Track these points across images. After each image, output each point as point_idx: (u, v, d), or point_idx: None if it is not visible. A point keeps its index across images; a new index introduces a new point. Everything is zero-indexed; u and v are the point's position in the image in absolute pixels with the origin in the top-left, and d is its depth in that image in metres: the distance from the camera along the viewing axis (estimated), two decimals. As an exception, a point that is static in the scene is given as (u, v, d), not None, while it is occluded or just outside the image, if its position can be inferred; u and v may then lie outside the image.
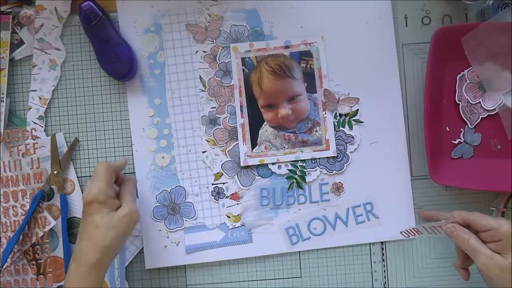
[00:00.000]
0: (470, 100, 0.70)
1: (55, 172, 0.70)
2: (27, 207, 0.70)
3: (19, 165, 0.71)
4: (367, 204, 0.71)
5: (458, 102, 0.71)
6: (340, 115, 0.72)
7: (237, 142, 0.71)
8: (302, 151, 0.71)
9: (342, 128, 0.72)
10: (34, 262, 0.71)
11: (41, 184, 0.71)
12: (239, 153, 0.71)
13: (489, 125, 0.71)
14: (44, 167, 0.71)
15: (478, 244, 0.60)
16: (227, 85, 0.72)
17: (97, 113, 0.73)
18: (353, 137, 0.71)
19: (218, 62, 0.72)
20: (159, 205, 0.72)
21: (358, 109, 0.72)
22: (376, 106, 0.72)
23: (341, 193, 0.72)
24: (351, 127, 0.72)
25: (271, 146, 0.71)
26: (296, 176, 0.71)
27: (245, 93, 0.71)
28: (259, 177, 0.72)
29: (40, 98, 0.72)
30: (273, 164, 0.71)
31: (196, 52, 0.72)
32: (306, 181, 0.71)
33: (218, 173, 0.72)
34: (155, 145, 0.72)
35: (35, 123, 0.72)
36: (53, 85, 0.72)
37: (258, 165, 0.71)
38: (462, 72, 0.71)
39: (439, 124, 0.71)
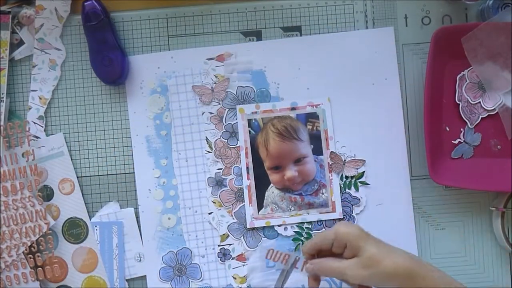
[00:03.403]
0: (470, 100, 0.70)
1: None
2: (27, 200, 0.70)
3: (15, 160, 0.71)
4: (373, 265, 0.72)
5: (458, 102, 0.71)
6: (346, 177, 0.72)
7: (243, 204, 0.72)
8: (308, 213, 0.71)
9: (348, 190, 0.72)
10: (31, 256, 0.71)
11: (40, 179, 0.71)
12: (245, 214, 0.71)
13: (489, 125, 0.71)
14: (44, 167, 0.72)
15: (339, 263, 0.59)
16: (234, 146, 0.72)
17: (97, 113, 0.73)
18: (359, 199, 0.72)
19: (225, 124, 0.72)
20: (165, 266, 0.72)
21: (364, 171, 0.72)
22: (382, 168, 0.72)
23: (347, 254, 0.72)
24: (357, 189, 0.72)
25: (277, 208, 0.71)
26: (302, 238, 0.71)
27: (252, 154, 0.71)
28: (265, 238, 0.72)
29: (40, 98, 0.72)
30: (279, 226, 0.72)
31: (203, 114, 0.72)
32: (312, 242, 0.71)
33: (224, 234, 0.72)
34: (162, 206, 0.72)
35: (35, 123, 0.72)
36: (53, 85, 0.73)
37: (264, 226, 0.72)
38: (462, 72, 0.71)
39: (439, 124, 0.71)
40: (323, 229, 0.71)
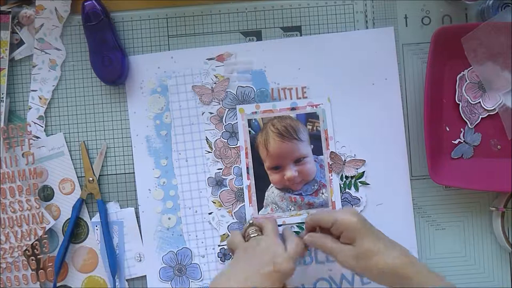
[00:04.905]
0: (470, 100, 0.71)
1: (89, 179, 0.71)
2: (24, 203, 0.70)
3: (15, 161, 0.71)
4: (373, 265, 0.72)
5: (458, 102, 0.71)
6: (346, 177, 0.72)
7: (243, 204, 0.72)
8: (308, 213, 0.71)
9: (348, 190, 0.72)
10: (33, 258, 0.71)
11: (39, 179, 0.71)
12: (245, 214, 0.71)
13: (489, 125, 0.71)
14: (44, 167, 0.72)
15: (333, 244, 0.61)
16: (234, 146, 0.72)
17: (97, 113, 0.73)
18: (359, 199, 0.72)
19: (225, 124, 0.72)
20: (165, 266, 0.72)
21: (364, 171, 0.72)
22: (382, 168, 0.72)
23: (347, 254, 0.72)
24: (357, 189, 0.72)
25: (277, 208, 0.71)
26: (302, 238, 0.72)
27: (252, 154, 0.71)
28: (265, 238, 0.72)
29: (40, 98, 0.72)
30: (279, 226, 0.71)
31: (203, 114, 0.72)
32: (312, 242, 0.71)
33: (224, 234, 0.72)
34: (162, 206, 0.72)
35: (35, 123, 0.72)
36: (53, 85, 0.73)
37: (264, 226, 0.72)
38: (462, 72, 0.71)
39: (439, 124, 0.71)
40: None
